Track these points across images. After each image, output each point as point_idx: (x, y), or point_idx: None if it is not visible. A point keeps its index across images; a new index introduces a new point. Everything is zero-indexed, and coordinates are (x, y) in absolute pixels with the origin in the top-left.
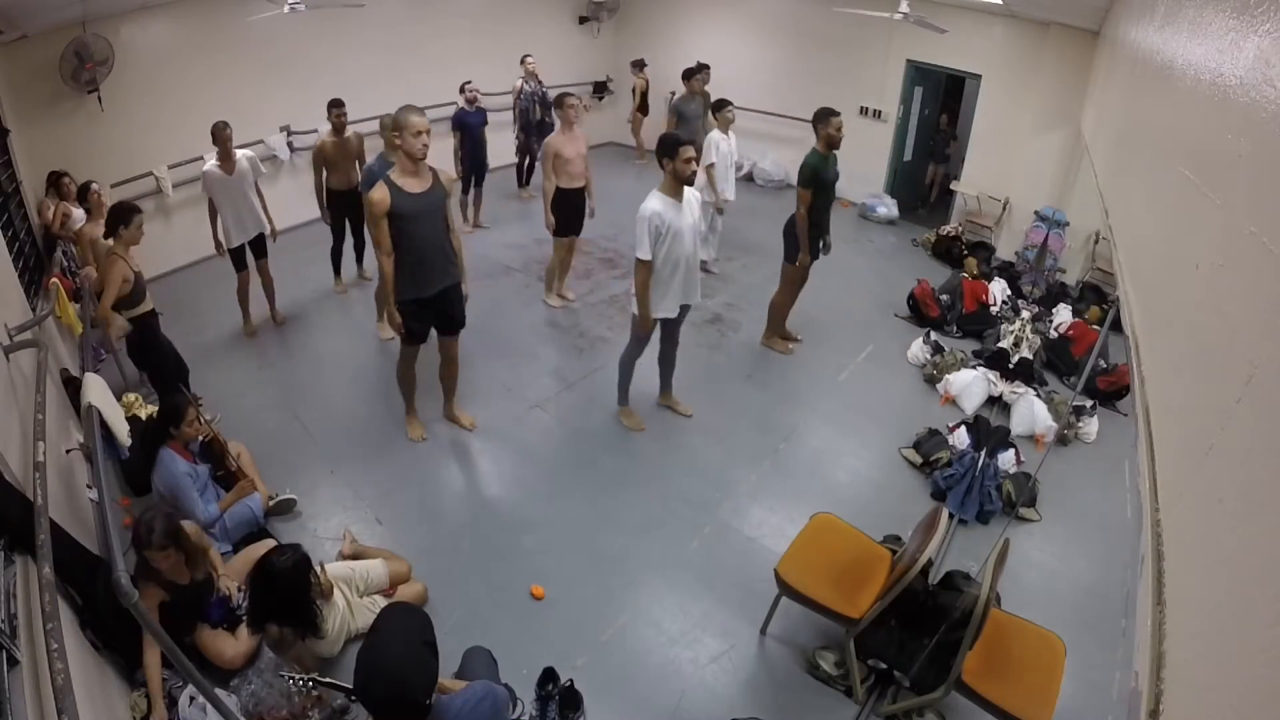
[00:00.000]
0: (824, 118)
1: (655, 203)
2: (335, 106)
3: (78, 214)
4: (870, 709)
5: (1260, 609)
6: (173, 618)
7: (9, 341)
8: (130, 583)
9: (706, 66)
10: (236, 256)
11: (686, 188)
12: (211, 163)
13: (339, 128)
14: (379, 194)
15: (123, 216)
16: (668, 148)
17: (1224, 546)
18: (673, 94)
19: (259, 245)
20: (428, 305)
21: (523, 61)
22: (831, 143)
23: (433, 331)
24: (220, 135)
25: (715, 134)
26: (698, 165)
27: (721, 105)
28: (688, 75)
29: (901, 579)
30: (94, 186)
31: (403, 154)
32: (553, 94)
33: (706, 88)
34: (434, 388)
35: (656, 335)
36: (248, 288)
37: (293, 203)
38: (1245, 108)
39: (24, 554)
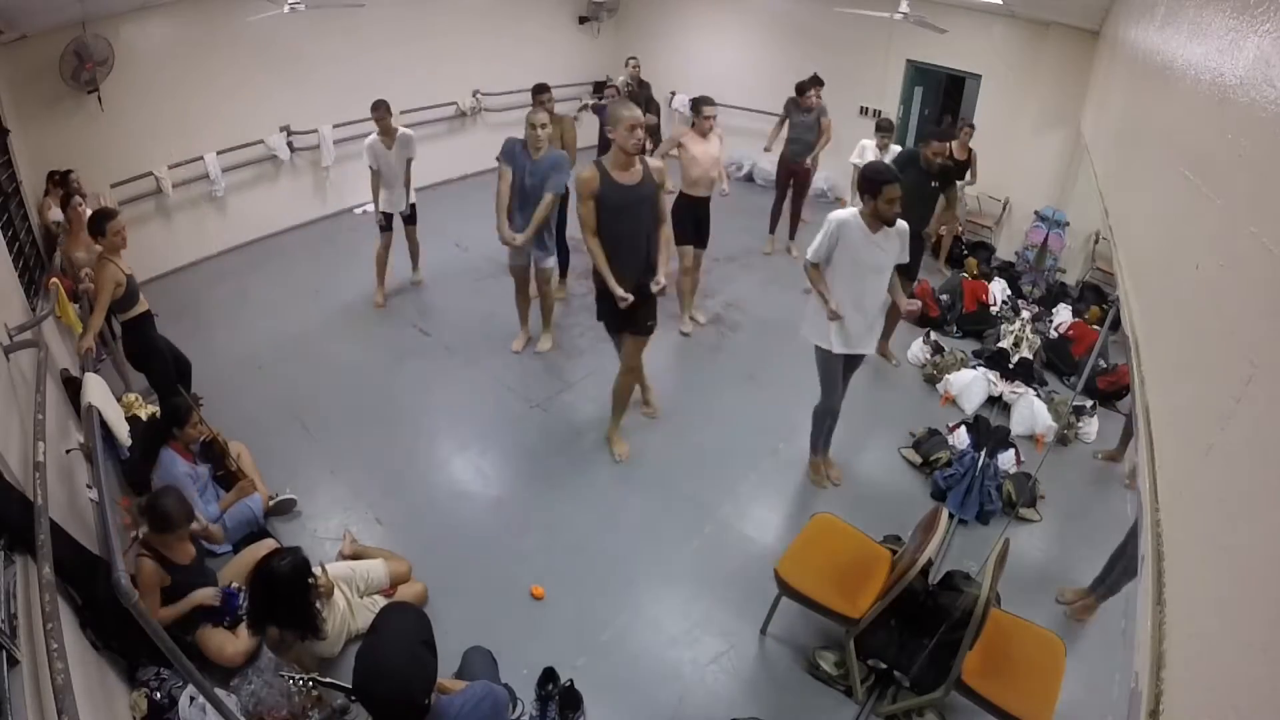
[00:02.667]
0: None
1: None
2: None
3: (56, 212)
4: (870, 709)
5: (1260, 609)
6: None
7: (9, 341)
8: (130, 583)
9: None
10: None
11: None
12: (374, 135)
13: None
14: (588, 173)
15: (99, 224)
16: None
17: (1224, 546)
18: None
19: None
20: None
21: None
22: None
23: None
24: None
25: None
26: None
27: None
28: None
29: (901, 579)
30: (75, 200)
31: (615, 148)
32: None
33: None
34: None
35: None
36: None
37: (294, 203)
38: (1245, 108)
39: (24, 554)
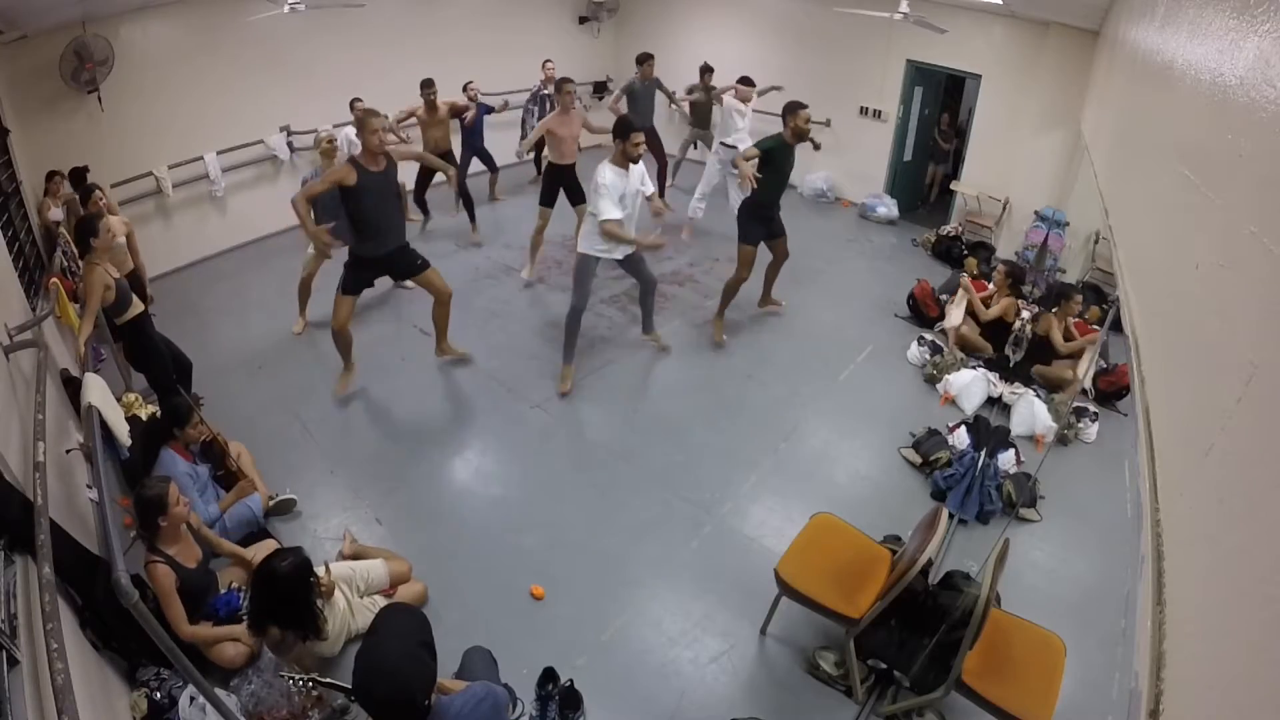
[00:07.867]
0: (793, 110)
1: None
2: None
3: (56, 213)
4: (870, 709)
5: (1260, 609)
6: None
7: (9, 341)
8: (130, 582)
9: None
10: None
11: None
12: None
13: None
14: (343, 170)
15: (87, 230)
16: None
17: (1224, 546)
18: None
19: None
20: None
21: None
22: (799, 134)
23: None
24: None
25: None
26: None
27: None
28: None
29: (901, 579)
30: (97, 194)
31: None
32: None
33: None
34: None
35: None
36: None
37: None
38: (1245, 108)
39: (24, 554)
